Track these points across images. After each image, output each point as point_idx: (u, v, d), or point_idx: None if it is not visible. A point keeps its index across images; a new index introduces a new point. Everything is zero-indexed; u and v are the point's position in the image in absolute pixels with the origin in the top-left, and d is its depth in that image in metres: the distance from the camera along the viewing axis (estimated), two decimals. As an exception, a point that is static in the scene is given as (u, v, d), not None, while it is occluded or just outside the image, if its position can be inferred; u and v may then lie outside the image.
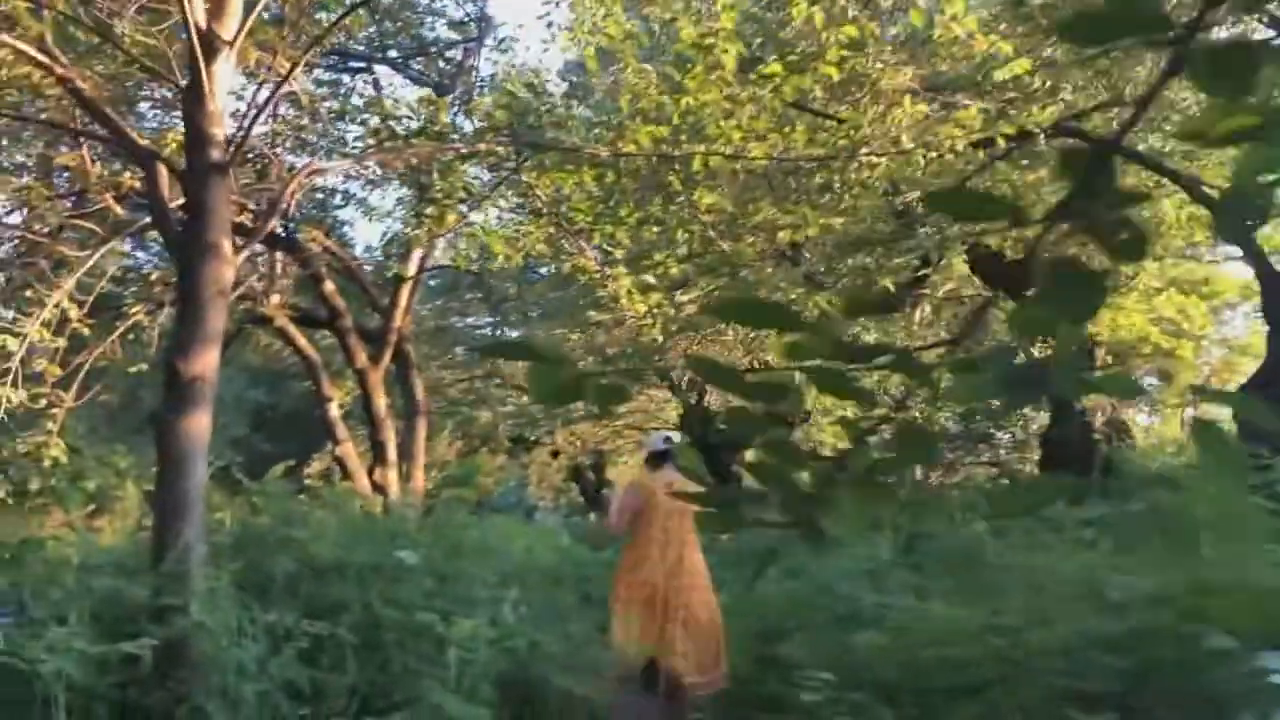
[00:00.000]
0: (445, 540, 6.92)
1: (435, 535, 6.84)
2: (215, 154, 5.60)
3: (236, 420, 22.15)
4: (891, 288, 13.67)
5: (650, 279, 8.08)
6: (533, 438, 24.25)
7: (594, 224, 7.62)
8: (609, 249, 7.86)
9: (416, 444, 12.35)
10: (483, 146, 6.67)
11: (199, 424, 5.40)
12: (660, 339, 8.72)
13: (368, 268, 14.55)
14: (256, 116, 6.40)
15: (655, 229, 7.63)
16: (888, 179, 7.33)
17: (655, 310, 8.18)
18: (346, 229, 14.83)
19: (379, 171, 8.91)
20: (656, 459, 6.59)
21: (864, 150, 6.73)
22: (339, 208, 13.77)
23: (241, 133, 6.21)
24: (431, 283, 24.79)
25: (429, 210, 7.93)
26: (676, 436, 7.72)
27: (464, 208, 7.89)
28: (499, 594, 6.43)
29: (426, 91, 10.11)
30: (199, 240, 5.52)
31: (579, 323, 17.32)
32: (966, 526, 8.19)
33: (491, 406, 26.43)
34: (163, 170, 5.79)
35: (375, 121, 7.15)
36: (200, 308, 5.47)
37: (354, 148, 8.98)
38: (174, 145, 7.20)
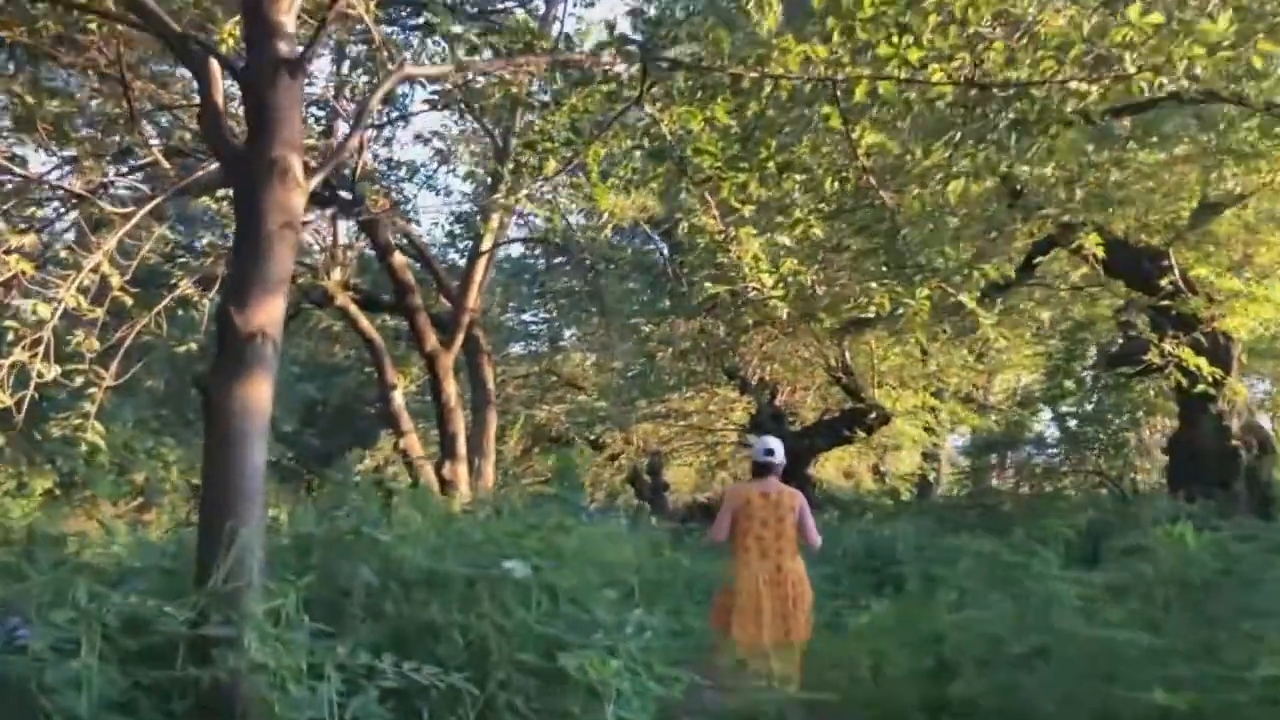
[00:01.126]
0: (551, 547, 5.54)
1: (539, 541, 5.45)
2: (283, 47, 4.25)
3: (285, 414, 21.02)
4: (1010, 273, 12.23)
5: (786, 240, 6.67)
6: (592, 437, 22.81)
7: (723, 171, 6.20)
8: (738, 203, 6.44)
9: (486, 436, 11.01)
10: (606, 60, 5.27)
11: (259, 392, 4.04)
12: (784, 314, 7.29)
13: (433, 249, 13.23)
14: (325, 23, 5.04)
15: (799, 177, 6.20)
16: (1104, 110, 5.98)
17: (790, 278, 6.76)
18: (408, 209, 13.63)
19: (479, 81, 7.39)
20: (759, 468, 6.55)
21: (1074, 73, 5.30)
22: (403, 181, 12.49)
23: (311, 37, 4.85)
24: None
25: (525, 158, 6.62)
26: (780, 447, 6.76)
27: (569, 151, 6.48)
28: (622, 615, 5.05)
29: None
30: (262, 157, 4.17)
31: (653, 312, 15.94)
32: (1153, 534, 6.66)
33: (549, 405, 25.19)
34: (216, 71, 4.44)
35: (474, 34, 5.76)
36: (263, 243, 4.11)
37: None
38: (230, 40, 5.86)
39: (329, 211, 10.34)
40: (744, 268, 7.00)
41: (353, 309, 10.72)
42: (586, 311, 19.17)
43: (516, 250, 22.25)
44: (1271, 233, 12.77)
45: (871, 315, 17.93)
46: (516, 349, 26.15)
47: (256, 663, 3.21)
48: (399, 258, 10.40)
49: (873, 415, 18.69)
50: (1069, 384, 17.84)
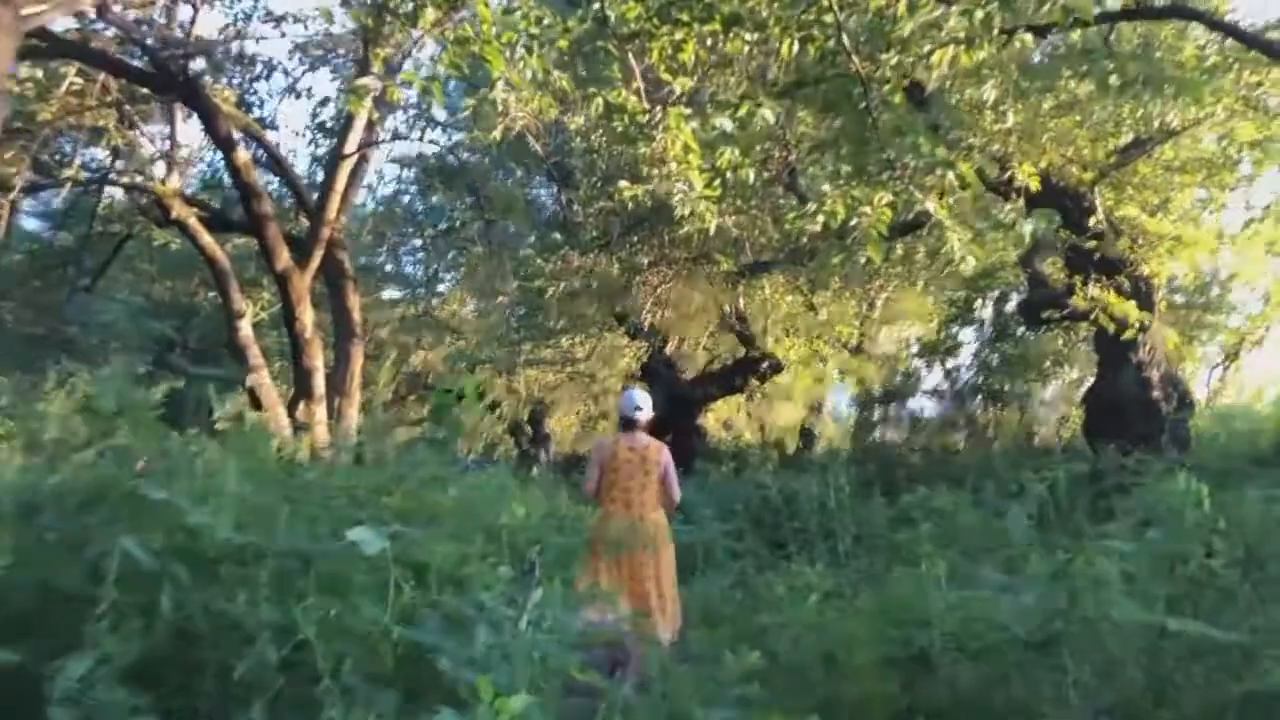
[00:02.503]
0: (423, 508, 4.01)
1: (408, 499, 3.90)
2: None
3: (134, 353, 18.76)
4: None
5: (726, 124, 5.16)
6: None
7: (654, 26, 4.65)
8: (670, 73, 4.91)
9: (350, 374, 9.29)
10: None
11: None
12: (711, 227, 5.80)
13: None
14: None
15: (749, 36, 4.69)
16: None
17: (729, 174, 5.28)
18: (266, 118, 11.63)
19: None
20: (627, 423, 6.50)
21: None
22: (258, 79, 10.52)
23: None
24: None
25: (399, 4, 5.00)
26: (648, 403, 6.64)
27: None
28: (521, 600, 3.55)
29: None
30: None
31: (545, 247, 14.30)
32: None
33: (426, 349, 23.49)
34: None
35: None
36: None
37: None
38: None
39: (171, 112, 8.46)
40: (671, 163, 5.47)
41: (193, 223, 8.86)
42: (466, 248, 17.36)
43: (389, 188, 20.38)
44: (1193, 174, 11.82)
45: (770, 259, 16.85)
46: (392, 293, 24.25)
47: None
48: (242, 154, 8.54)
49: (765, 364, 17.50)
50: (966, 333, 16.97)
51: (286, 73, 10.11)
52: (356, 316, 9.80)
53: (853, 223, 5.70)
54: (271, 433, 5.55)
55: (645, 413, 6.51)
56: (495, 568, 3.75)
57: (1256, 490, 4.90)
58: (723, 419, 27.55)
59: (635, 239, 14.60)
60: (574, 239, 13.58)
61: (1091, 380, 14.66)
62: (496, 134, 7.72)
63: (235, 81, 10.39)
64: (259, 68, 10.34)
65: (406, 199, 22.86)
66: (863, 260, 6.01)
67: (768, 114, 5.11)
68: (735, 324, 17.24)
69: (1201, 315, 14.27)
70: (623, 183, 5.80)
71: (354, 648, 2.80)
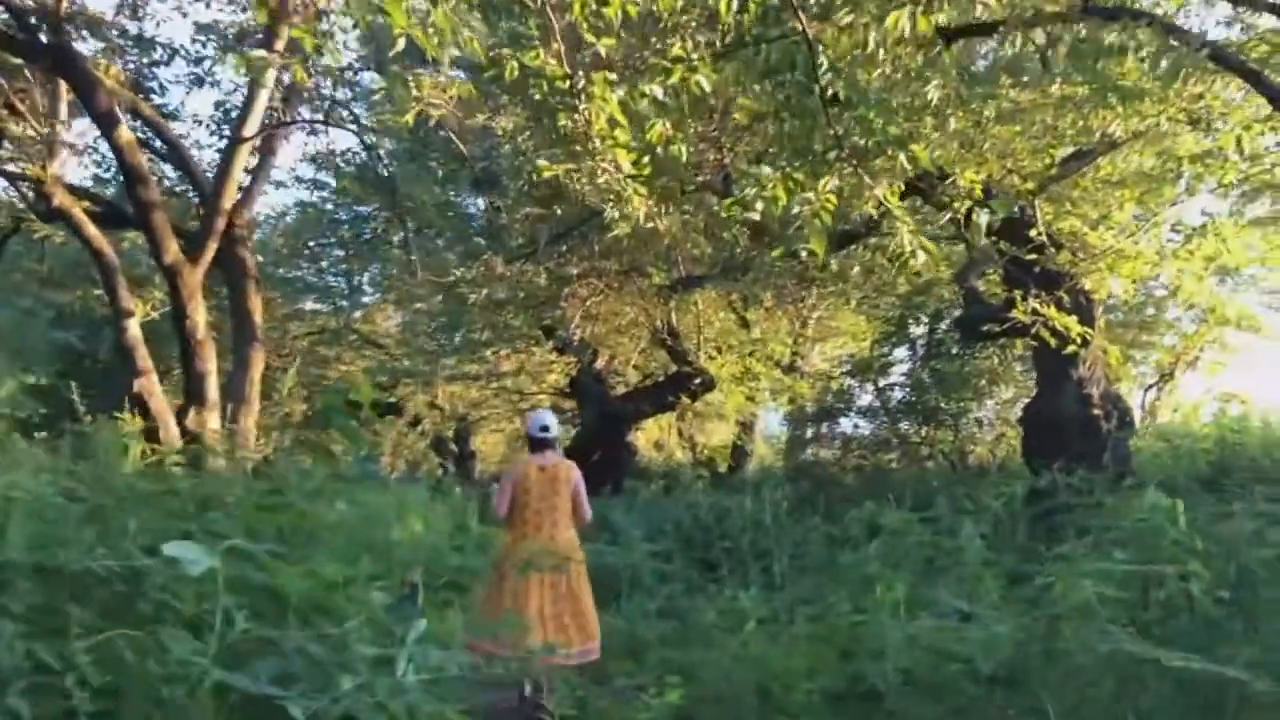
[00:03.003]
0: (291, 521, 3.32)
1: (265, 509, 3.20)
2: None
3: (34, 363, 17.61)
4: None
5: (657, 91, 4.55)
6: (392, 400, 20.18)
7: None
8: (593, 33, 4.31)
9: (250, 381, 8.49)
10: None
11: None
12: (640, 213, 5.20)
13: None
14: None
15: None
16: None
17: (660, 150, 4.69)
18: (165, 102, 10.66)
19: None
20: (536, 444, 6.47)
21: None
22: (158, 64, 9.66)
23: None
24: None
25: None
26: (555, 422, 6.70)
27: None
28: (401, 630, 2.89)
29: None
30: None
31: (466, 249, 13.56)
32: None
33: (347, 364, 22.58)
34: None
35: None
36: None
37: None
38: None
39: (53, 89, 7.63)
40: (595, 139, 4.85)
41: (77, 214, 8.02)
42: (388, 258, 16.57)
43: (309, 193, 19.62)
44: (1132, 188, 11.51)
45: (703, 273, 16.35)
46: (311, 304, 23.33)
47: None
48: (125, 133, 7.72)
49: (697, 381, 16.92)
50: (900, 352, 16.58)
51: (191, 59, 9.33)
52: (258, 319, 9.01)
53: (795, 210, 5.12)
54: (130, 438, 4.79)
55: (554, 432, 6.52)
56: (371, 593, 3.06)
57: (1241, 507, 4.38)
58: (654, 439, 26.98)
59: (564, 248, 13.95)
60: (499, 244, 12.89)
61: (1028, 399, 14.37)
62: (409, 118, 7.04)
63: (131, 66, 9.59)
64: (159, 52, 9.55)
65: (330, 206, 22.06)
66: (805, 254, 5.42)
67: (703, 81, 4.51)
68: (667, 339, 16.65)
69: (1137, 334, 14.03)
70: (541, 161, 5.13)
71: (148, 695, 2.11)
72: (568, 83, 4.70)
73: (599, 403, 16.54)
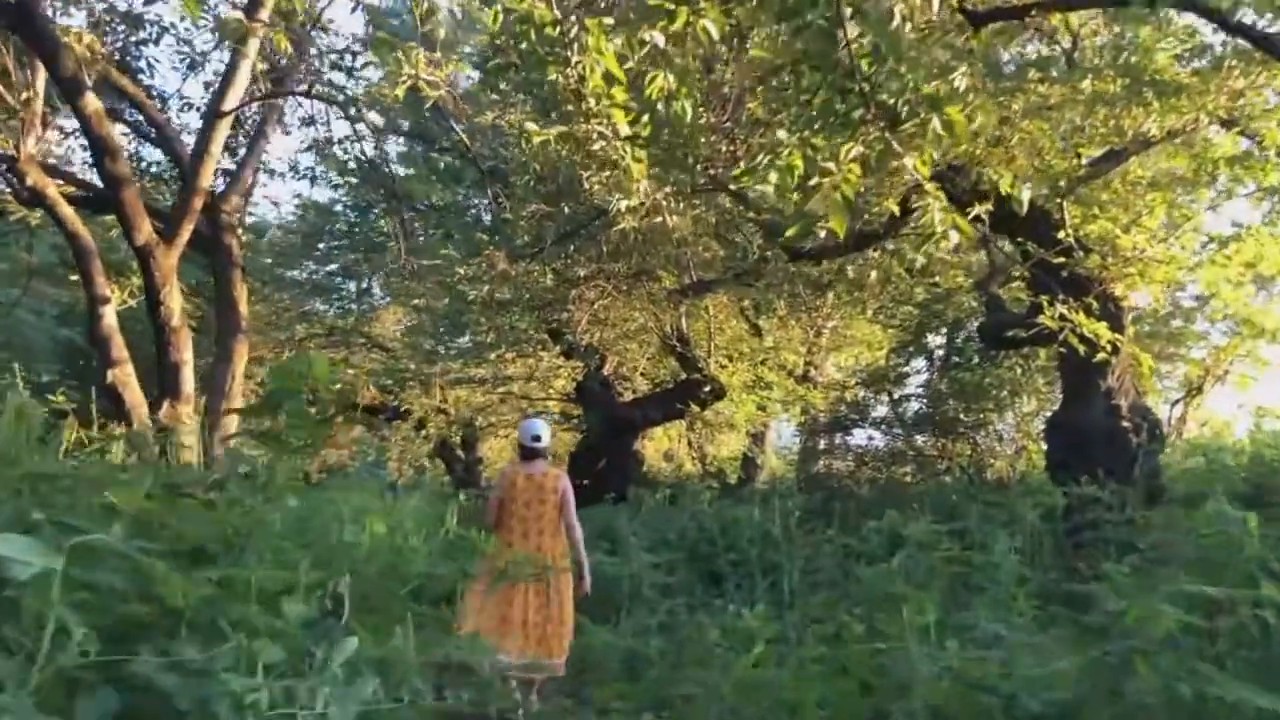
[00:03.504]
0: (246, 524, 2.75)
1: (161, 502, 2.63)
2: None
3: (38, 361, 17.13)
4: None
5: (658, 39, 3.97)
6: (396, 404, 19.62)
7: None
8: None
9: (232, 375, 7.91)
10: None
11: None
12: (640, 186, 4.62)
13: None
14: None
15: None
16: None
17: (661, 107, 4.12)
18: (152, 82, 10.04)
19: None
20: (526, 452, 6.47)
21: None
22: (145, 43, 9.13)
23: None
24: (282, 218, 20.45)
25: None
26: (548, 433, 6.65)
27: None
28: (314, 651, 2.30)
29: None
30: None
31: (469, 247, 12.99)
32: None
33: (356, 368, 22.00)
34: None
35: None
36: None
37: None
38: None
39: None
40: (589, 97, 4.27)
41: (51, 193, 7.48)
42: (395, 246, 16.00)
43: (323, 195, 19.16)
44: (1165, 190, 10.87)
45: (715, 277, 15.76)
46: (320, 305, 22.86)
47: None
48: (93, 101, 7.15)
49: (708, 389, 16.29)
50: (917, 362, 15.94)
51: (180, 37, 8.80)
52: (243, 309, 8.45)
53: (812, 183, 4.52)
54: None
55: (545, 441, 6.48)
56: (285, 605, 2.46)
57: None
58: (663, 450, 26.33)
59: (571, 248, 13.37)
60: (503, 238, 12.31)
61: (1051, 411, 13.72)
62: (400, 91, 6.47)
63: (118, 44, 9.06)
64: (147, 29, 9.01)
65: (339, 207, 21.61)
66: (823, 234, 4.81)
67: (710, 26, 3.92)
68: (677, 346, 16.05)
69: (1164, 346, 13.36)
70: (530, 125, 4.54)
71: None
72: (558, 29, 4.12)
73: (605, 409, 15.93)
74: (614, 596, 8.69)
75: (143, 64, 9.52)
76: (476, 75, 11.20)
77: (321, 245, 21.89)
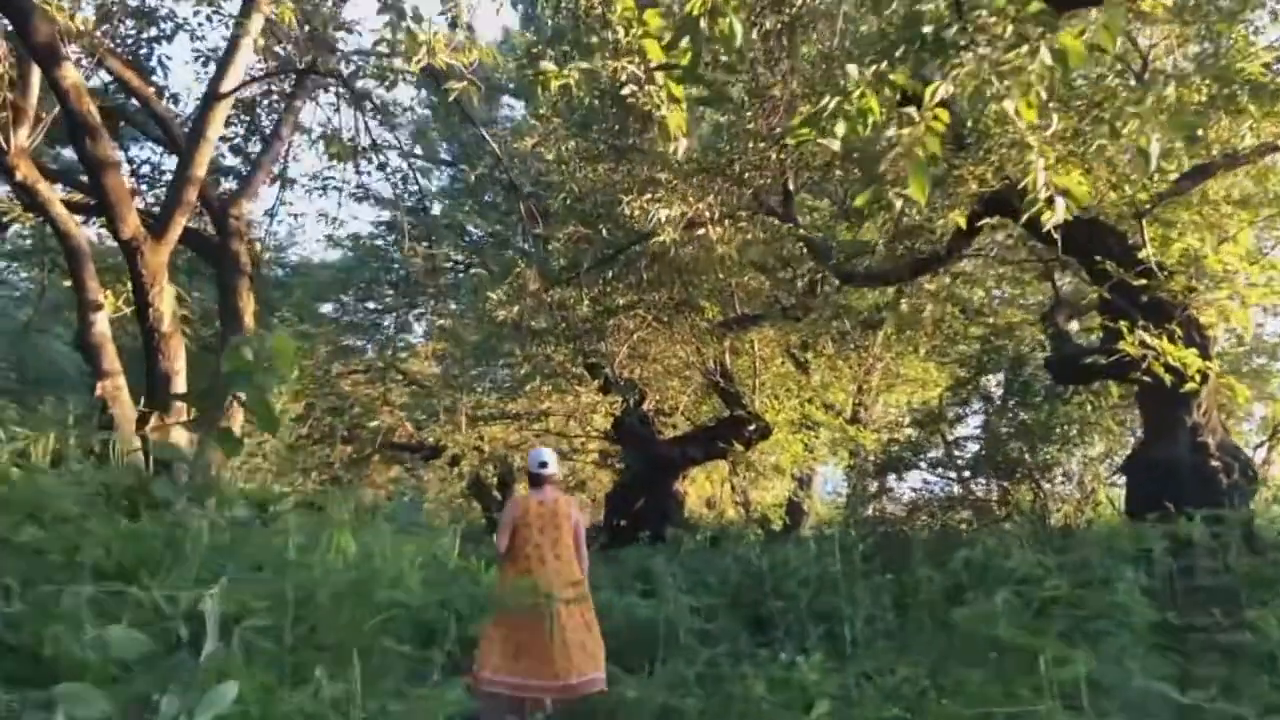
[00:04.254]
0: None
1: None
2: None
3: (79, 397, 16.53)
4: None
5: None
6: (432, 440, 18.81)
7: None
8: None
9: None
10: None
11: None
12: (681, 138, 3.80)
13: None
14: None
15: None
16: None
17: (704, 18, 3.31)
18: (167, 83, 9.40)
19: None
20: (535, 479, 6.48)
21: None
22: (158, 40, 8.49)
23: None
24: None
25: None
26: (554, 459, 6.59)
27: None
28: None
29: None
30: None
31: (503, 271, 12.22)
32: None
33: (391, 407, 21.29)
34: None
35: None
36: None
37: None
38: None
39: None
40: (617, 24, 3.47)
41: (42, 189, 6.79)
42: (429, 286, 15.31)
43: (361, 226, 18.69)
44: (1254, 209, 9.88)
45: (761, 311, 14.85)
46: (356, 341, 22.28)
47: None
48: (71, 73, 6.41)
49: (752, 427, 15.34)
50: (974, 402, 14.91)
51: (194, 34, 8.16)
52: (249, 321, 7.70)
53: (889, 135, 3.68)
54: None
55: (551, 468, 6.48)
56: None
57: None
58: (705, 496, 25.28)
59: (609, 274, 12.57)
60: (536, 256, 11.53)
61: (1124, 452, 12.64)
62: (415, 65, 5.76)
63: (129, 40, 8.47)
64: (162, 26, 8.38)
65: (379, 242, 21.11)
66: (899, 205, 3.95)
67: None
68: (720, 381, 15.14)
69: (1246, 384, 12.23)
70: (546, 64, 3.72)
71: None
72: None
73: (645, 446, 15.01)
74: (648, 643, 7.79)
75: (155, 63, 8.92)
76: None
77: (360, 283, 21.38)
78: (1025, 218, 8.78)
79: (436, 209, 19.41)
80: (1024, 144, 3.78)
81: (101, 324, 6.94)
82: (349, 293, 21.91)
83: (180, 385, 6.89)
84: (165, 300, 6.77)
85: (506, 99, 18.80)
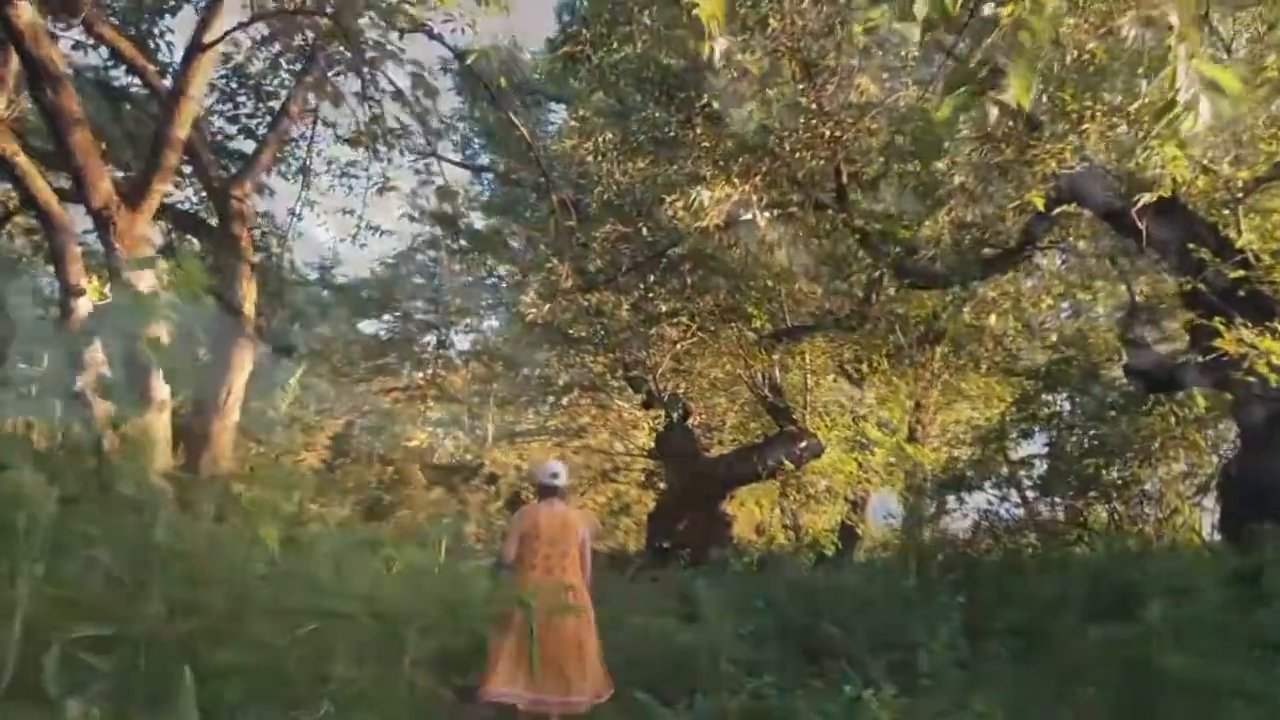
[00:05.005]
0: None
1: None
2: None
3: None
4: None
5: None
6: (478, 462, 18.12)
7: None
8: None
9: (228, 386, 6.36)
10: None
11: None
12: (719, 43, 2.98)
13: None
14: None
15: None
16: None
17: None
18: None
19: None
20: (544, 490, 6.44)
21: None
22: (162, 14, 7.87)
23: None
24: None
25: None
26: (565, 471, 6.60)
27: None
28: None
29: None
30: None
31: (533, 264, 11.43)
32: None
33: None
34: None
35: None
36: None
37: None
38: None
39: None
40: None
41: (21, 162, 6.15)
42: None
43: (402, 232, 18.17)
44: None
45: (812, 323, 13.89)
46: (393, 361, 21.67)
47: None
48: (26, 12, 5.66)
49: (803, 444, 14.36)
50: (1043, 414, 13.82)
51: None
52: (248, 311, 6.98)
53: (986, 13, 2.85)
54: None
55: (562, 479, 6.45)
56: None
57: None
58: (754, 522, 24.23)
59: (650, 278, 11.73)
60: (570, 251, 10.69)
61: (1209, 470, 11.53)
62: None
63: (131, 19, 7.87)
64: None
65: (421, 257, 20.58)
66: (994, 113, 3.10)
67: None
68: (769, 395, 14.21)
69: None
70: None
71: None
72: None
73: (689, 462, 14.10)
74: (687, 672, 6.92)
75: (160, 40, 8.30)
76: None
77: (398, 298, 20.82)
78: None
79: (479, 223, 18.80)
80: (1183, 37, 2.89)
81: (82, 309, 6.25)
82: (387, 313, 21.38)
83: (157, 379, 6.19)
84: (142, 280, 6.06)
85: (551, 105, 18.19)
